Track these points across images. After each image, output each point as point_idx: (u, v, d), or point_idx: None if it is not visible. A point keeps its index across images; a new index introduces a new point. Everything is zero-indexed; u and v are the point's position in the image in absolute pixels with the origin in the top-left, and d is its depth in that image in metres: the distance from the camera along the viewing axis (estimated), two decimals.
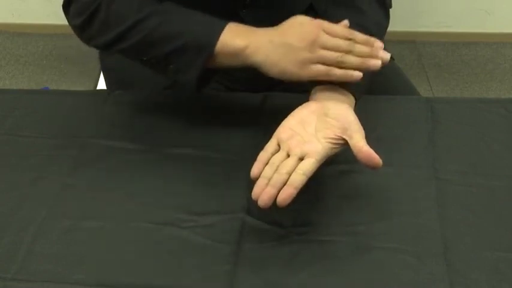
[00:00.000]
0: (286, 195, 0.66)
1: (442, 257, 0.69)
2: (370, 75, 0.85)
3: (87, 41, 0.88)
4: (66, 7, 0.89)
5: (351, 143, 0.71)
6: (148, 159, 0.82)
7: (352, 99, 0.79)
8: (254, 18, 0.94)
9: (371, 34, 0.86)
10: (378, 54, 0.76)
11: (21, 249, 0.70)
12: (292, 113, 0.76)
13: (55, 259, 0.69)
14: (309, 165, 0.69)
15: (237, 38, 0.78)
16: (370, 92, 0.86)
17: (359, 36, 0.76)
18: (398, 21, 2.22)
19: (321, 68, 0.75)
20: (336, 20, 0.87)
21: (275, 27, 0.79)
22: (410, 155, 0.82)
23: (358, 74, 0.75)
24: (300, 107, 0.77)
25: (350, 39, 0.75)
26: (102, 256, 0.70)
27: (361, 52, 0.75)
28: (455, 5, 2.28)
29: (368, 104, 0.86)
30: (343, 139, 0.72)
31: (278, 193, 0.67)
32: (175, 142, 0.84)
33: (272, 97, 0.92)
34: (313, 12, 0.98)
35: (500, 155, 0.82)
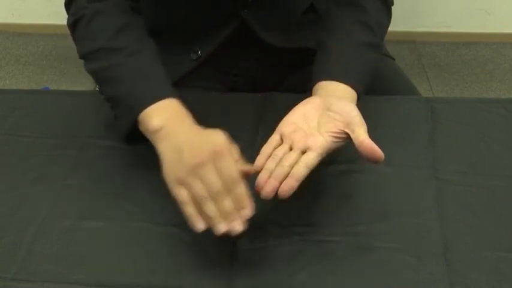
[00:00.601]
0: (288, 187, 0.67)
1: (442, 257, 0.69)
2: (371, 71, 0.86)
3: (75, 44, 0.88)
4: (67, 6, 0.90)
5: (353, 136, 0.71)
6: (148, 159, 0.82)
7: (354, 94, 0.80)
8: (255, 18, 0.94)
9: (373, 32, 0.87)
10: (232, 219, 0.65)
11: (21, 249, 0.70)
12: (294, 108, 0.76)
13: (55, 259, 0.69)
14: (311, 158, 0.69)
15: (156, 117, 0.74)
16: (370, 92, 0.86)
17: (238, 191, 0.66)
18: (398, 21, 2.22)
19: (183, 195, 0.67)
20: (337, 18, 0.87)
21: (195, 129, 0.73)
22: (410, 155, 0.82)
23: (199, 227, 0.65)
24: (302, 102, 0.77)
25: (228, 188, 0.66)
26: (102, 256, 0.70)
27: (221, 206, 0.65)
28: (455, 5, 2.28)
29: (368, 104, 0.86)
30: (346, 133, 0.72)
31: (280, 185, 0.67)
32: None
33: (272, 97, 0.92)
34: (314, 11, 0.98)
35: (500, 155, 0.82)
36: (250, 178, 0.69)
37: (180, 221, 0.73)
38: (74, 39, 0.88)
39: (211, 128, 0.71)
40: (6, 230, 0.73)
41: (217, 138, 0.69)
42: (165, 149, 0.72)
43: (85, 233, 0.72)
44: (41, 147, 0.84)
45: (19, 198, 0.77)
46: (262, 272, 0.68)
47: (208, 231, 0.71)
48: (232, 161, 0.67)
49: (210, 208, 0.65)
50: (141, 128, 0.77)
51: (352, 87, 0.79)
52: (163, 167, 0.71)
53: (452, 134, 0.85)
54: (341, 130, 0.72)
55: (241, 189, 0.66)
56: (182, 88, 0.98)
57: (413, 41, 2.35)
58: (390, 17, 0.92)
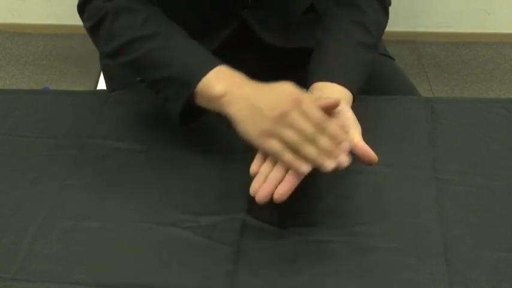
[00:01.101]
0: (283, 191, 0.67)
1: (442, 257, 0.69)
2: (367, 72, 0.86)
3: (96, 45, 0.89)
4: (80, 9, 0.90)
5: (347, 138, 0.71)
6: (148, 159, 0.82)
7: (350, 95, 0.80)
8: (255, 18, 0.94)
9: (370, 33, 0.87)
10: (337, 155, 0.68)
11: (21, 249, 0.70)
12: None
13: (55, 259, 0.69)
14: None
15: (217, 84, 0.75)
16: (370, 92, 0.86)
17: (330, 128, 0.69)
18: (399, 21, 2.23)
19: (276, 145, 0.69)
20: (334, 18, 0.87)
21: (260, 85, 0.75)
22: (410, 155, 0.82)
23: (304, 169, 0.68)
24: None
25: (320, 128, 0.69)
26: (102, 256, 0.70)
27: (322, 146, 0.68)
28: (455, 5, 2.28)
29: (368, 104, 0.86)
30: None
31: (275, 189, 0.67)
32: (175, 142, 0.84)
33: None
34: (314, 11, 0.98)
35: (500, 155, 0.82)
36: (251, 181, 0.69)
37: (180, 221, 0.73)
38: (97, 40, 0.88)
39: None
40: (6, 230, 0.73)
41: (289, 87, 0.72)
42: (238, 110, 0.73)
43: (85, 233, 0.72)
44: (41, 147, 0.84)
45: (19, 198, 0.77)
46: (262, 272, 0.68)
47: (209, 231, 0.72)
48: (312, 103, 0.71)
49: (310, 150, 0.68)
50: (201, 100, 0.77)
51: (348, 88, 0.80)
52: (240, 128, 0.72)
53: (452, 134, 0.85)
54: None
55: (335, 126, 0.70)
56: None
57: (413, 41, 2.35)
58: (387, 18, 0.92)
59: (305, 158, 0.68)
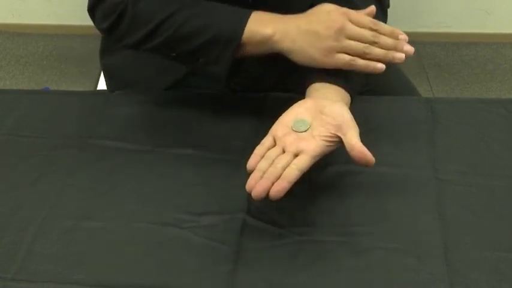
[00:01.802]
0: (279, 188, 0.67)
1: (442, 257, 0.69)
2: (365, 73, 0.85)
3: (117, 42, 0.89)
4: (91, 11, 0.89)
5: (345, 140, 0.71)
6: (148, 159, 0.82)
7: (347, 97, 0.80)
8: None
9: None
10: (402, 47, 0.77)
11: (21, 249, 0.70)
12: (288, 110, 0.76)
13: (55, 259, 0.69)
14: (303, 161, 0.69)
15: (263, 26, 0.79)
16: (370, 93, 0.86)
17: (384, 27, 0.78)
18: (399, 21, 2.22)
19: (345, 57, 0.76)
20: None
21: (301, 14, 0.80)
22: (410, 155, 0.82)
23: (381, 66, 0.76)
24: (295, 105, 0.77)
25: (375, 30, 0.77)
26: (102, 256, 0.70)
27: (385, 44, 0.77)
28: (455, 5, 2.28)
29: (368, 104, 0.86)
30: (338, 137, 0.72)
31: (271, 186, 0.67)
32: (175, 142, 0.84)
33: (272, 97, 0.92)
34: None
35: (500, 155, 0.82)
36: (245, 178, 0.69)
37: (180, 221, 0.73)
38: (118, 36, 0.87)
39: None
40: (6, 230, 0.73)
41: (330, 6, 0.79)
42: (293, 42, 0.78)
43: (85, 233, 0.72)
44: (41, 147, 0.84)
45: (19, 198, 0.77)
46: (262, 272, 0.68)
47: (209, 231, 0.72)
48: (358, 13, 0.78)
49: (377, 51, 0.76)
50: (248, 48, 0.81)
51: (346, 89, 0.80)
52: (300, 57, 0.79)
53: (453, 134, 0.85)
54: (333, 134, 0.72)
55: (385, 27, 0.78)
56: (182, 88, 0.99)
57: (413, 41, 2.34)
58: (386, 20, 0.92)
59: (376, 59, 0.76)
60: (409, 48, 0.78)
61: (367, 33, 0.77)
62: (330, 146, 0.72)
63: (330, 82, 0.80)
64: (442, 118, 0.88)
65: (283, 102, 0.82)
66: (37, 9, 2.35)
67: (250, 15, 0.80)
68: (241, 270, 0.68)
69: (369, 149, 0.70)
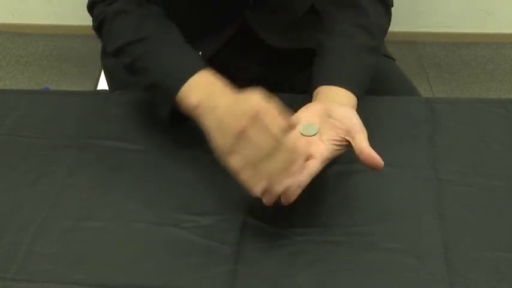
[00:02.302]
0: (290, 193, 0.67)
1: (442, 257, 0.69)
2: (370, 75, 0.86)
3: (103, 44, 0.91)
4: (89, 10, 0.92)
5: (353, 143, 0.71)
6: (148, 159, 0.82)
7: (354, 99, 0.80)
8: (257, 19, 0.94)
9: (372, 35, 0.87)
10: (293, 173, 0.68)
11: (21, 249, 0.70)
12: (296, 114, 0.76)
13: (55, 259, 0.69)
14: (313, 166, 0.70)
15: (192, 95, 0.76)
16: (370, 93, 0.86)
17: (288, 144, 0.67)
18: (399, 21, 2.22)
19: (238, 161, 0.68)
20: (337, 21, 0.87)
21: (231, 96, 0.73)
22: (411, 155, 0.82)
23: (257, 190, 0.67)
24: (303, 108, 0.77)
25: (276, 145, 0.67)
26: (102, 256, 0.70)
27: (278, 164, 0.67)
28: (455, 5, 2.28)
29: (368, 104, 0.86)
30: (347, 140, 0.72)
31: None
32: (175, 142, 0.84)
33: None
34: (314, 12, 0.98)
35: (501, 155, 0.82)
36: None
37: (180, 221, 0.73)
38: (102, 40, 0.90)
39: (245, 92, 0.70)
40: (6, 230, 0.73)
41: (252, 101, 0.69)
42: (208, 124, 0.73)
43: (85, 233, 0.72)
44: (41, 147, 0.84)
45: (19, 198, 0.77)
46: (262, 272, 0.68)
47: (209, 231, 0.72)
48: (271, 120, 0.67)
49: (267, 167, 0.66)
50: (182, 108, 0.78)
51: (352, 92, 0.80)
52: (213, 140, 0.71)
53: (453, 134, 0.85)
54: (342, 138, 0.72)
55: (290, 142, 0.67)
56: None
57: (413, 41, 2.35)
58: (390, 19, 0.92)
59: (262, 175, 0.67)
60: (302, 179, 0.68)
61: (264, 146, 0.66)
62: (339, 149, 0.72)
63: (337, 85, 0.79)
64: (442, 118, 0.88)
65: (284, 102, 0.82)
66: (37, 9, 2.35)
67: (193, 74, 0.77)
68: (241, 270, 0.68)
69: None
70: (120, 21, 0.86)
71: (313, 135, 0.73)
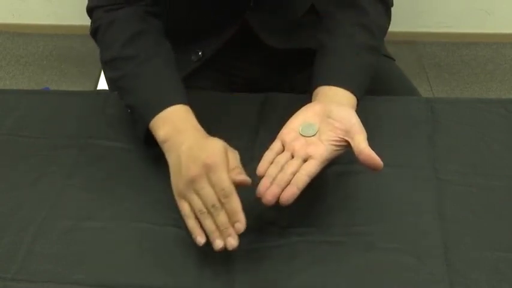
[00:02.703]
0: (289, 194, 0.67)
1: (442, 257, 0.69)
2: (370, 75, 0.86)
3: None
4: (88, 14, 0.92)
5: (353, 144, 0.71)
6: (149, 159, 0.82)
7: (354, 99, 0.80)
8: (257, 19, 0.94)
9: (373, 35, 0.87)
10: (228, 235, 0.66)
11: (21, 249, 0.70)
12: (295, 115, 0.76)
13: (55, 259, 0.69)
14: (312, 167, 0.69)
15: (162, 128, 0.76)
16: (370, 93, 0.86)
17: (232, 204, 0.66)
18: (399, 21, 2.21)
19: (184, 208, 0.69)
20: (337, 21, 0.87)
21: (196, 137, 0.74)
22: (411, 155, 0.82)
23: (199, 241, 0.67)
24: (303, 109, 0.77)
25: (222, 203, 0.67)
26: (102, 256, 0.70)
27: (219, 222, 0.66)
28: (455, 5, 2.28)
29: (368, 104, 0.86)
30: (346, 141, 0.72)
31: (281, 192, 0.67)
32: None
33: (272, 97, 0.92)
34: (314, 12, 0.98)
35: (501, 155, 0.82)
36: (253, 183, 0.69)
37: (180, 220, 0.73)
38: (98, 46, 0.90)
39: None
40: (6, 230, 0.73)
41: (212, 148, 0.70)
42: (171, 161, 0.74)
43: (85, 233, 0.72)
44: (41, 147, 0.84)
45: (19, 198, 0.77)
46: (262, 272, 0.68)
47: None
48: (224, 173, 0.67)
49: (207, 223, 0.67)
50: (154, 137, 0.78)
51: (352, 92, 0.79)
52: (171, 178, 0.73)
53: (453, 134, 0.85)
54: (341, 138, 0.72)
55: (234, 203, 0.66)
56: None
57: (413, 41, 2.35)
58: (390, 19, 0.92)
59: (204, 228, 0.67)
60: (232, 243, 0.65)
61: (210, 199, 0.67)
62: (338, 150, 0.72)
63: (336, 85, 0.79)
64: (442, 118, 0.88)
65: (283, 102, 0.83)
66: (37, 9, 2.35)
67: (168, 105, 0.77)
68: (240, 270, 0.68)
69: None
70: (112, 33, 0.86)
71: (313, 135, 0.73)
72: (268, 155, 0.72)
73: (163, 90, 0.81)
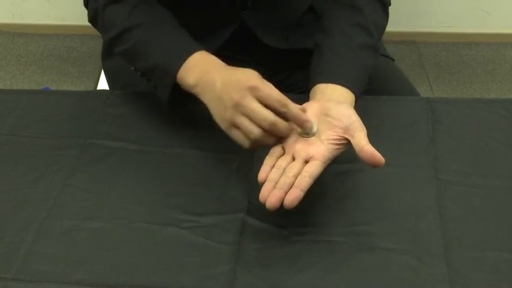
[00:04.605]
0: (293, 197, 0.67)
1: (442, 257, 0.69)
2: (368, 73, 0.86)
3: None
4: (85, 5, 0.93)
5: (353, 141, 0.71)
6: (148, 159, 0.82)
7: (352, 96, 0.79)
8: (255, 19, 0.94)
9: (370, 34, 0.87)
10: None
11: (22, 249, 0.70)
12: None
13: (55, 259, 0.69)
14: (314, 168, 0.69)
15: (190, 75, 0.78)
16: (370, 93, 0.86)
17: (293, 109, 0.71)
18: (399, 21, 2.23)
19: (237, 134, 0.72)
20: (334, 20, 0.87)
21: (226, 72, 0.76)
22: (411, 155, 0.82)
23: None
24: (300, 108, 0.76)
25: (283, 112, 0.70)
26: (102, 256, 0.70)
27: (277, 133, 0.70)
28: (455, 5, 2.28)
29: (368, 104, 0.86)
30: (346, 139, 0.72)
31: (285, 195, 0.67)
32: (176, 142, 0.84)
33: None
34: (313, 12, 0.98)
35: (501, 155, 0.82)
36: (255, 188, 0.69)
37: (180, 221, 0.73)
38: (99, 31, 0.91)
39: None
40: (7, 230, 0.73)
41: (248, 73, 0.73)
42: (208, 100, 0.76)
43: (85, 233, 0.72)
44: (41, 147, 0.84)
45: (19, 198, 0.77)
46: (262, 272, 0.68)
47: (209, 231, 0.72)
48: (270, 88, 0.71)
49: (263, 139, 0.70)
50: (182, 87, 0.80)
51: (350, 89, 0.79)
52: (214, 117, 0.75)
53: (453, 134, 0.85)
54: (341, 136, 0.72)
55: (295, 108, 0.71)
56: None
57: (413, 41, 2.35)
58: (387, 18, 0.92)
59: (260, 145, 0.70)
60: (314, 129, 0.70)
61: (261, 119, 0.69)
62: (339, 148, 0.72)
63: (334, 83, 0.79)
64: (442, 118, 0.88)
65: None
66: (37, 9, 2.35)
67: (190, 55, 0.79)
68: (241, 270, 0.68)
69: None
70: (113, 11, 0.87)
71: (312, 135, 0.72)
72: (268, 160, 0.71)
73: (181, 42, 0.83)
